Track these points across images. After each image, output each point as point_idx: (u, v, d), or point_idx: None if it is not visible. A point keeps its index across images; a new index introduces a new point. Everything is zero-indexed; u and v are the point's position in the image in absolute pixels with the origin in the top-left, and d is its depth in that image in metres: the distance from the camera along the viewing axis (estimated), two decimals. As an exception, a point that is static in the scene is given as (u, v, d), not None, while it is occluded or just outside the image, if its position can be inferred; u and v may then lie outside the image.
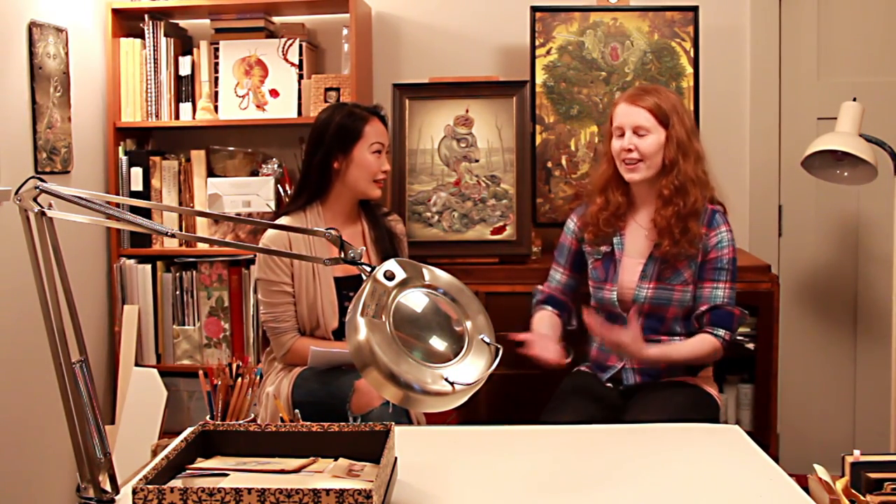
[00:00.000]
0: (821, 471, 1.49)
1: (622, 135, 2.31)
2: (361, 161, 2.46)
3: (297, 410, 1.88)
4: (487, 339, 1.43)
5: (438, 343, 1.41)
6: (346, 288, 2.46)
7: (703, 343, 2.28)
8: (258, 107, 3.14)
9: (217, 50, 3.16)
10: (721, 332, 2.28)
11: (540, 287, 2.53)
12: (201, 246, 3.12)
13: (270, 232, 2.48)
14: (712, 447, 1.75)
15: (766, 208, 3.25)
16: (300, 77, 3.14)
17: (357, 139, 2.45)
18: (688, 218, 2.27)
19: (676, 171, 2.27)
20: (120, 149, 3.15)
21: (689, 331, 2.33)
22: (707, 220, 2.31)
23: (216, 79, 3.16)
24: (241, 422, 1.68)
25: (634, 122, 2.28)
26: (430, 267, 1.47)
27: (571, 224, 2.48)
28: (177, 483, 1.43)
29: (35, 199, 1.38)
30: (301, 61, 3.14)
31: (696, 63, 2.98)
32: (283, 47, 3.14)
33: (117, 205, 1.86)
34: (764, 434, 2.74)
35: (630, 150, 2.28)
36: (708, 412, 2.29)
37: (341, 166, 2.46)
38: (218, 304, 3.10)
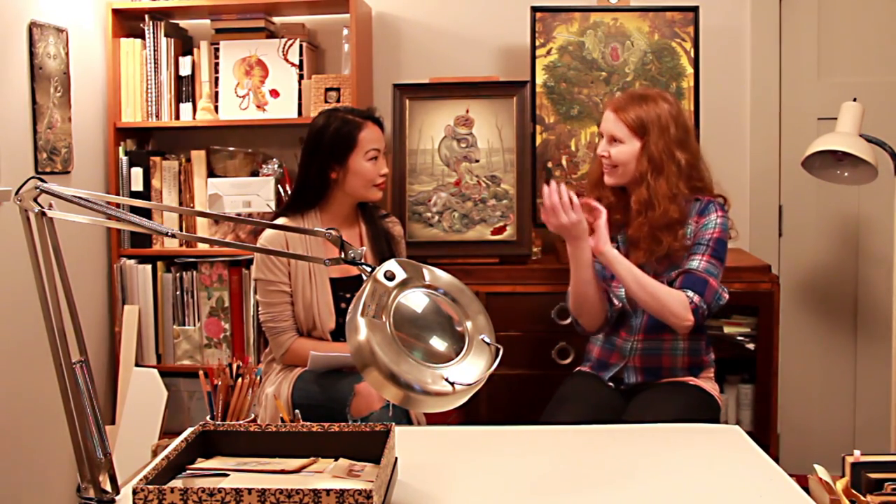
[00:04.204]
0: (821, 471, 1.49)
1: (602, 138, 2.37)
2: (358, 170, 2.45)
3: (297, 410, 1.88)
4: (488, 340, 1.43)
5: (439, 343, 1.41)
6: (343, 289, 2.46)
7: (674, 293, 2.20)
8: (258, 107, 3.14)
9: (217, 50, 3.16)
10: (691, 294, 2.20)
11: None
12: (201, 246, 3.12)
13: (268, 232, 2.48)
14: (712, 447, 1.75)
15: (766, 208, 3.25)
16: (300, 77, 3.13)
17: (352, 149, 2.44)
18: (658, 231, 2.27)
19: (645, 184, 2.29)
20: (120, 149, 3.15)
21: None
22: (700, 209, 2.32)
23: (216, 79, 3.16)
24: (241, 422, 1.68)
25: (610, 131, 2.34)
26: (430, 267, 1.47)
27: None
28: (177, 483, 1.43)
29: (35, 200, 1.38)
30: (301, 61, 3.14)
31: (696, 63, 2.98)
32: (284, 47, 3.14)
33: (117, 205, 1.86)
34: (764, 434, 2.74)
35: (606, 156, 2.34)
36: (708, 412, 2.28)
37: (339, 176, 2.46)
38: (218, 304, 3.10)
